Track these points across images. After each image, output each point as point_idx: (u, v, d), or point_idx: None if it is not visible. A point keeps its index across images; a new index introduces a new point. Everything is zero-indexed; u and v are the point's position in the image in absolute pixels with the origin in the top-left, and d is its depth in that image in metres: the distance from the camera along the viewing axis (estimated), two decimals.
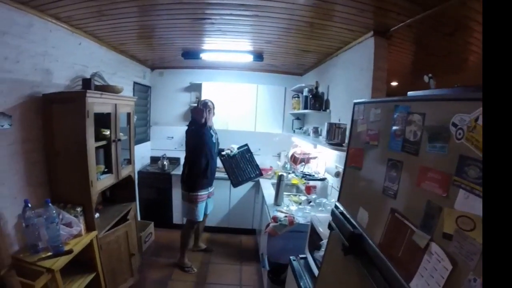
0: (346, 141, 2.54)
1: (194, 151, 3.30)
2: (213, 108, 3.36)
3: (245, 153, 3.78)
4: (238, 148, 3.73)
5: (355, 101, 1.50)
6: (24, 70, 2.01)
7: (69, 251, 1.97)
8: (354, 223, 1.24)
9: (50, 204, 1.93)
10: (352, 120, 1.49)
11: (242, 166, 3.74)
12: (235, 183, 3.70)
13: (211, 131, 3.37)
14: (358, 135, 1.39)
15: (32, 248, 1.91)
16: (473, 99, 0.73)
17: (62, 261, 1.89)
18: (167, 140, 4.90)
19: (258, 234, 4.24)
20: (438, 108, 0.87)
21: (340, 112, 2.94)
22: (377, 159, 1.19)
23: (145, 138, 4.72)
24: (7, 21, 1.83)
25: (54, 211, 1.94)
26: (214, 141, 3.40)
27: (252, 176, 3.77)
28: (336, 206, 1.46)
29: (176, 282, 3.26)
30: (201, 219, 3.43)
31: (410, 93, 1.28)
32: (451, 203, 0.76)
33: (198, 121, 2.96)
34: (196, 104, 3.22)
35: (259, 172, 3.81)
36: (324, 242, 1.75)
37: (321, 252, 1.76)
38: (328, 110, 3.28)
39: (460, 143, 0.74)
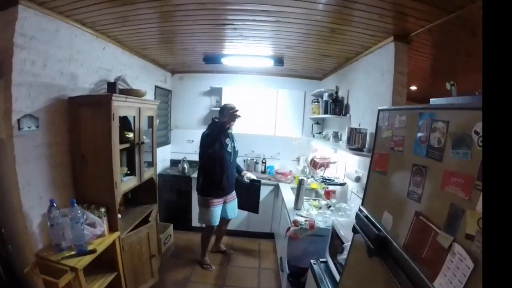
0: (367, 146, 2.53)
1: (208, 158, 3.25)
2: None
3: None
4: (251, 181, 3.77)
5: (380, 107, 1.52)
6: (51, 74, 2.08)
7: (93, 251, 2.02)
8: (379, 226, 1.24)
9: (75, 204, 1.98)
10: (377, 126, 1.51)
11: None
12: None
13: (227, 139, 3.32)
14: (383, 141, 1.42)
15: (56, 247, 1.96)
16: None
17: (86, 260, 1.93)
18: (187, 144, 4.96)
19: (276, 238, 4.22)
20: (461, 116, 0.92)
21: (360, 116, 2.90)
22: (402, 164, 1.21)
23: (165, 141, 4.81)
24: (35, 27, 1.90)
25: (79, 211, 1.99)
26: (230, 150, 3.33)
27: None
28: (360, 210, 1.45)
29: (196, 284, 3.28)
30: (215, 224, 3.40)
31: (432, 100, 1.30)
32: (473, 206, 0.80)
33: (221, 118, 2.92)
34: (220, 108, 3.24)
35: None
36: (347, 245, 1.72)
37: (344, 256, 1.73)
38: (348, 115, 3.24)
39: (482, 149, 0.79)
